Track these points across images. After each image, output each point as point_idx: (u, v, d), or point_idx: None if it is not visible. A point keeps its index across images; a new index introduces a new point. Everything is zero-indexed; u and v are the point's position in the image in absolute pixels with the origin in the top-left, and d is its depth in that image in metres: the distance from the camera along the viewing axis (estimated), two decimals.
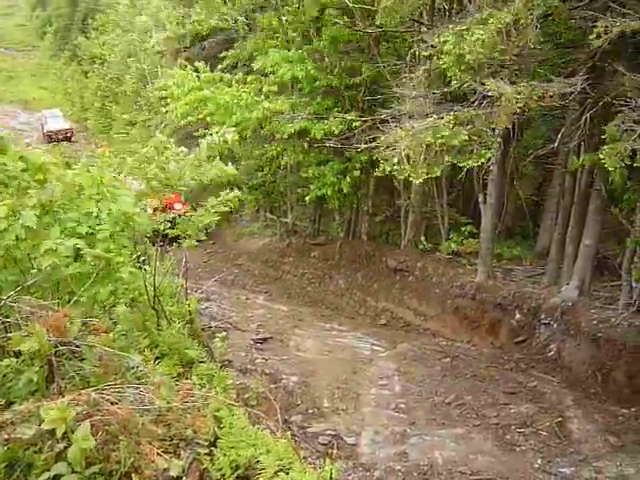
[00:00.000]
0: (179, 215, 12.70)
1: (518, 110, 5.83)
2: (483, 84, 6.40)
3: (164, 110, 12.35)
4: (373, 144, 8.59)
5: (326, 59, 11.62)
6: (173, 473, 2.64)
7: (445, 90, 7.25)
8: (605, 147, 5.36)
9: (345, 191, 11.04)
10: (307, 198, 11.49)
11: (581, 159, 5.50)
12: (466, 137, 6.45)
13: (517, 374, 7.06)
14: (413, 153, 6.94)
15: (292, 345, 7.67)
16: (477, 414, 5.86)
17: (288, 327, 8.40)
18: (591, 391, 6.79)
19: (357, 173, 11.01)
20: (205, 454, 3.12)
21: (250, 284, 11.80)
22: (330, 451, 4.95)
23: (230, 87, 11.26)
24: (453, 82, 6.93)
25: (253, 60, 12.44)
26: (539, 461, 5.03)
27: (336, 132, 10.62)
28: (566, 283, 8.19)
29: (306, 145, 11.30)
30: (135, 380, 3.03)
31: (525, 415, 5.85)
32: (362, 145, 10.84)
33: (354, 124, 10.56)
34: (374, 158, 10.83)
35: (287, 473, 3.21)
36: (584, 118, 6.59)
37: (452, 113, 6.59)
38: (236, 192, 5.19)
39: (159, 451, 2.72)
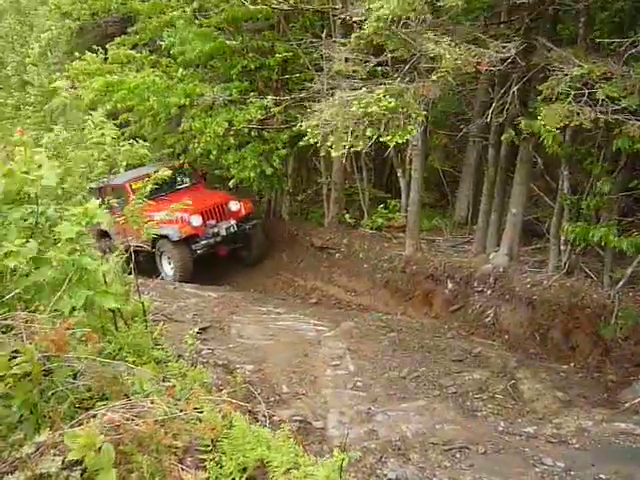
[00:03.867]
0: (240, 220, 10.98)
1: (454, 73, 5.87)
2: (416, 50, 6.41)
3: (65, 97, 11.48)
4: (298, 122, 8.41)
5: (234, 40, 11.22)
6: None
7: (377, 60, 7.15)
8: (543, 108, 5.52)
9: (269, 172, 10.84)
10: (230, 183, 11.19)
11: (523, 122, 5.64)
12: (393, 105, 6.37)
13: (460, 342, 7.27)
14: (339, 124, 6.79)
15: (234, 333, 7.45)
16: (434, 385, 5.96)
17: (225, 314, 8.16)
18: (531, 352, 7.13)
19: (284, 152, 10.83)
20: (211, 460, 2.92)
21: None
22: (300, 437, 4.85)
23: (139, 71, 10.68)
24: (386, 50, 6.86)
25: (157, 40, 11.88)
26: (502, 424, 5.19)
27: (258, 117, 10.39)
28: (495, 250, 8.51)
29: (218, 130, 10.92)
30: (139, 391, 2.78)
31: (479, 381, 6.02)
32: (282, 125, 10.76)
33: (272, 109, 10.37)
34: (294, 136, 10.75)
35: (298, 469, 3.08)
36: (512, 91, 6.80)
37: (383, 86, 6.54)
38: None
39: (182, 466, 2.51)
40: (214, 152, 10.93)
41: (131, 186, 10.86)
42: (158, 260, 10.91)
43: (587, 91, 5.36)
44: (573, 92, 5.39)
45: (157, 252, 10.82)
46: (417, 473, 4.22)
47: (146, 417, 2.33)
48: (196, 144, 10.92)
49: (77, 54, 11.56)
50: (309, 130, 6.99)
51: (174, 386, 3.44)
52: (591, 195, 7.01)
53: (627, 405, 5.43)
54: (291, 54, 10.75)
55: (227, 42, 10.73)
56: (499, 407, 5.58)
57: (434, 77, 6.24)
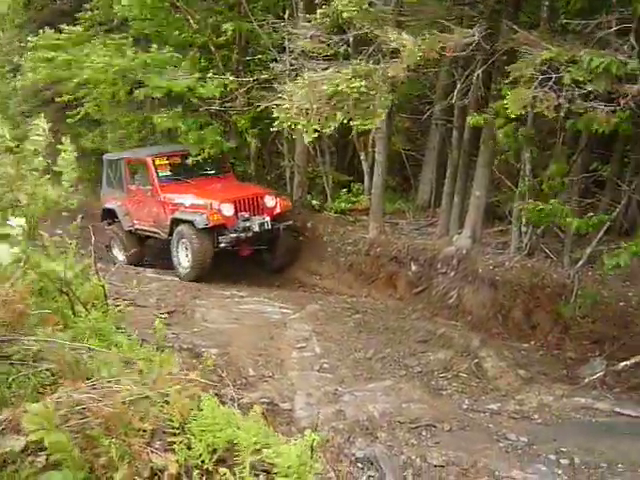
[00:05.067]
0: (274, 217, 9.89)
1: (418, 61, 5.87)
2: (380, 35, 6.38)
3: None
4: (262, 103, 8.30)
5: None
6: (172, 470, 2.39)
7: (341, 37, 7.10)
8: (509, 92, 5.57)
9: (225, 149, 10.72)
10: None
11: (495, 105, 5.67)
12: (363, 87, 6.35)
13: (425, 323, 7.34)
14: (309, 104, 6.73)
15: (198, 317, 7.37)
16: (399, 365, 6.02)
17: (188, 298, 8.06)
18: (494, 331, 7.25)
19: (255, 131, 10.74)
20: (180, 442, 2.86)
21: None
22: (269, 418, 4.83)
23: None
24: (352, 29, 6.82)
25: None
26: (466, 402, 5.27)
27: (217, 95, 10.22)
28: (458, 232, 8.61)
29: (184, 109, 10.74)
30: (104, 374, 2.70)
31: (444, 361, 6.11)
32: (244, 107, 10.61)
33: (229, 87, 10.23)
34: (257, 118, 10.64)
35: (269, 449, 3.05)
36: (476, 74, 6.85)
37: (350, 66, 6.50)
38: None
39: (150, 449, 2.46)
40: (171, 126, 10.77)
41: (154, 161, 10.31)
42: (174, 248, 9.76)
43: (554, 75, 5.41)
44: (540, 76, 5.43)
45: (174, 238, 9.73)
46: (385, 451, 4.24)
47: (113, 397, 2.27)
48: (158, 118, 10.71)
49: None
50: (281, 115, 6.89)
51: (141, 371, 3.37)
52: (551, 177, 7.13)
53: (586, 381, 5.59)
54: (249, 30, 10.61)
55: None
56: (463, 385, 5.67)
57: (400, 65, 6.22)
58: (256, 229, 9.43)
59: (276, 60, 9.50)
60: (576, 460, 4.06)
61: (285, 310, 7.71)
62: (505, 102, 5.58)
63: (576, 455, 4.12)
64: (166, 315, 7.20)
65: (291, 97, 6.75)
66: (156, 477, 2.39)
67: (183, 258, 9.64)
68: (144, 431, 2.69)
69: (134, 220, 10.87)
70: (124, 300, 7.17)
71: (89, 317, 4.15)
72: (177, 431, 2.93)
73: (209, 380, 4.75)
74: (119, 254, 11.19)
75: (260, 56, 10.53)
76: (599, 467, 3.97)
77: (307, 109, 6.63)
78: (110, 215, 11.33)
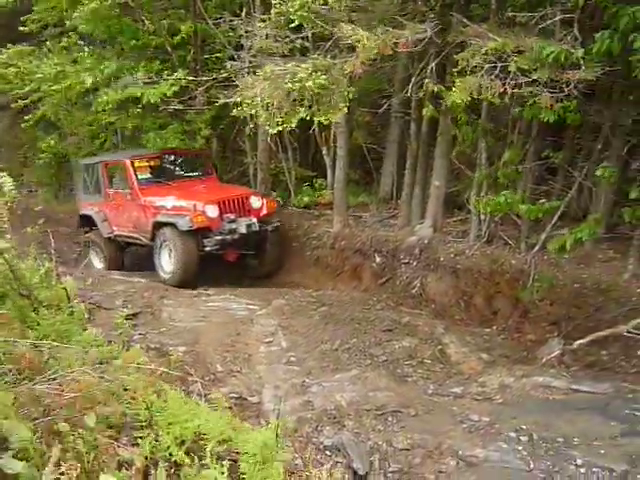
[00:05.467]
0: (261, 219, 9.52)
1: (374, 56, 5.98)
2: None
3: None
4: (221, 100, 8.31)
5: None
6: (138, 464, 2.45)
7: (298, 36, 7.17)
8: (457, 81, 5.72)
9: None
10: None
11: (450, 97, 5.79)
12: (325, 82, 6.44)
13: (389, 312, 7.46)
14: (270, 98, 6.76)
15: (165, 316, 7.37)
16: (365, 354, 6.12)
17: (155, 299, 8.03)
18: (457, 318, 7.43)
19: (204, 133, 10.69)
20: (147, 435, 2.92)
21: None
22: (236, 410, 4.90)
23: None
24: (306, 29, 6.90)
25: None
26: (431, 387, 5.41)
27: (169, 94, 10.17)
28: (420, 223, 8.78)
29: (138, 110, 10.65)
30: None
31: (408, 348, 6.23)
32: (204, 107, 10.60)
33: (188, 86, 10.22)
34: (217, 117, 10.64)
35: (236, 437, 3.13)
36: (430, 67, 7.00)
37: (309, 61, 6.58)
38: None
39: (117, 443, 2.51)
40: (129, 127, 10.66)
41: (133, 163, 9.98)
42: (156, 253, 9.33)
43: (500, 64, 5.59)
44: (486, 65, 5.60)
45: (157, 243, 9.32)
46: (352, 438, 4.33)
47: (77, 389, 2.32)
48: (106, 117, 10.60)
49: None
50: (245, 102, 6.88)
51: (101, 363, 3.40)
52: (505, 165, 7.33)
53: (544, 360, 5.77)
54: (205, 30, 10.59)
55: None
56: (428, 371, 5.80)
57: (357, 60, 6.32)
58: (243, 231, 9.08)
59: (233, 58, 9.52)
60: (535, 436, 4.21)
61: (251, 306, 7.75)
62: (454, 91, 5.74)
63: (535, 431, 4.27)
64: (132, 316, 7.23)
65: (252, 88, 6.77)
66: (123, 469, 2.44)
67: (166, 262, 9.22)
68: (111, 427, 2.74)
69: (113, 226, 10.53)
70: (90, 303, 7.15)
71: (54, 320, 4.16)
72: (144, 424, 2.98)
73: (176, 377, 4.81)
74: (98, 263, 10.83)
75: (218, 54, 10.51)
76: (556, 442, 4.12)
77: (268, 103, 6.68)
78: (87, 222, 11.00)
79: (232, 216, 9.10)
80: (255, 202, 9.50)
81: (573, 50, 5.25)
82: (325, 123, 7.37)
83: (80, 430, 2.27)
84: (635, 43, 4.85)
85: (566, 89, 5.27)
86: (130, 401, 3.04)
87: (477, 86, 5.48)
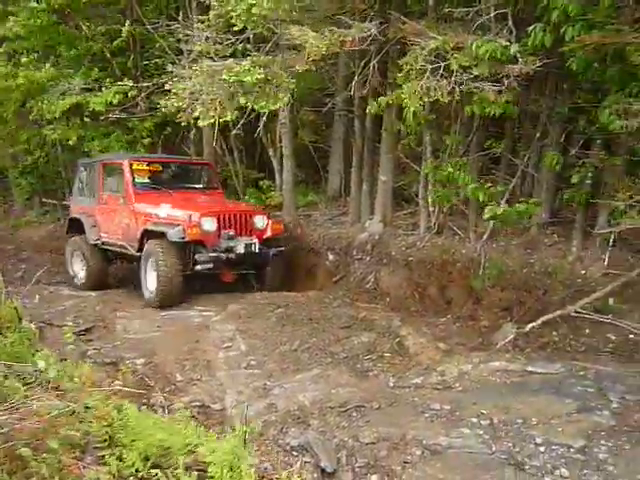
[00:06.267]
0: (263, 241, 8.58)
1: (322, 55, 6.02)
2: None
3: None
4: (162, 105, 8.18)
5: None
6: None
7: (238, 38, 7.13)
8: (405, 85, 5.81)
9: None
10: None
11: (387, 98, 5.85)
12: (262, 75, 6.43)
13: (346, 309, 7.52)
14: (206, 92, 6.69)
15: (119, 329, 7.24)
16: (325, 353, 6.15)
17: (107, 312, 7.88)
18: (412, 309, 7.54)
19: (148, 140, 10.50)
20: (111, 455, 2.87)
21: (44, 277, 10.68)
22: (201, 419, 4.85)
23: None
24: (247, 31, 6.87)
25: None
26: (392, 380, 5.47)
27: (114, 102, 9.97)
28: (369, 218, 8.88)
29: (84, 119, 10.41)
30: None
31: (367, 343, 6.30)
32: (145, 114, 10.43)
33: (130, 93, 10.04)
34: (160, 123, 10.48)
35: (203, 446, 3.11)
36: (371, 64, 7.08)
37: (248, 58, 6.56)
38: None
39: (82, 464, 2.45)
40: (74, 138, 10.33)
41: (132, 165, 9.13)
42: (142, 268, 8.40)
43: (442, 64, 5.70)
44: (430, 66, 5.71)
45: (143, 257, 8.40)
46: (318, 437, 4.35)
47: (36, 415, 2.25)
48: (51, 131, 10.25)
49: None
50: (175, 93, 6.77)
51: (58, 387, 3.31)
52: (451, 157, 7.50)
53: (499, 345, 5.93)
54: (144, 35, 10.43)
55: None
56: (388, 365, 5.87)
57: (306, 60, 6.33)
58: (241, 251, 8.18)
59: (173, 63, 9.40)
60: (495, 420, 4.33)
61: (206, 312, 7.69)
62: (402, 93, 5.82)
63: (495, 415, 4.40)
64: (85, 332, 7.06)
65: (187, 82, 6.69)
66: None
67: (151, 280, 8.26)
68: (73, 447, 2.67)
69: (101, 233, 9.66)
70: (40, 321, 6.96)
71: (4, 341, 4.04)
72: (106, 444, 2.92)
73: (136, 390, 4.72)
74: (80, 271, 10.02)
75: (157, 60, 10.35)
76: (515, 423, 4.25)
77: (202, 95, 6.62)
78: (76, 227, 10.15)
79: (231, 232, 8.27)
80: (259, 222, 8.66)
81: (507, 43, 5.40)
82: (268, 119, 7.34)
83: (43, 455, 2.21)
84: (567, 35, 5.03)
85: (506, 82, 5.42)
86: (91, 420, 2.98)
87: (425, 89, 5.58)
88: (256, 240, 8.36)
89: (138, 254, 8.58)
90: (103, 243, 9.65)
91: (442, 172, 6.95)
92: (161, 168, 9.68)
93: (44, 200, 14.24)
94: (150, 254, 8.18)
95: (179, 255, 8.04)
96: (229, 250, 8.13)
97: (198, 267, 8.18)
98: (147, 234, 8.54)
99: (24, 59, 10.14)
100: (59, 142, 11.43)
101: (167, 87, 6.96)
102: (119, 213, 9.26)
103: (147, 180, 9.32)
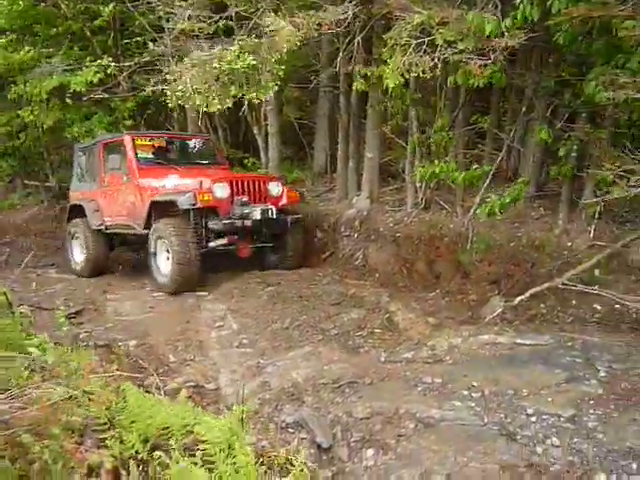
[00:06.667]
0: (281, 208, 8.13)
1: (301, 39, 6.00)
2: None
3: None
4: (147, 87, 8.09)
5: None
6: (109, 466, 2.43)
7: (222, 15, 7.06)
8: (389, 61, 5.80)
9: None
10: None
11: (375, 71, 5.83)
12: (253, 62, 6.40)
13: (336, 286, 7.57)
14: (201, 83, 6.65)
15: (110, 311, 7.25)
16: (316, 330, 6.20)
17: (98, 295, 7.89)
18: (401, 285, 7.60)
19: (129, 122, 10.37)
20: (111, 437, 2.90)
21: (31, 260, 10.61)
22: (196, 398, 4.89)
23: None
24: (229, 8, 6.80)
25: None
26: (383, 355, 5.53)
27: (95, 81, 9.80)
28: (356, 195, 8.90)
29: (67, 101, 10.21)
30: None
31: (357, 320, 6.36)
32: (128, 93, 10.28)
33: (110, 71, 9.87)
34: (142, 103, 10.35)
35: (200, 425, 3.14)
36: (356, 41, 7.03)
37: (236, 42, 6.50)
38: None
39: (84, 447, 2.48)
40: (49, 122, 10.15)
41: (134, 140, 8.78)
42: (152, 252, 7.93)
43: (427, 39, 5.68)
44: (414, 41, 5.69)
45: (151, 238, 7.88)
46: (312, 413, 4.40)
47: (39, 402, 2.27)
48: (27, 112, 10.06)
49: None
50: (175, 93, 6.71)
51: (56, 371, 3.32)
52: (437, 131, 7.51)
53: (487, 319, 6.01)
54: (123, 12, 10.22)
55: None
56: (379, 340, 5.93)
57: (281, 46, 6.29)
58: (257, 217, 7.69)
59: (155, 41, 9.25)
60: (486, 392, 4.40)
61: (198, 292, 7.70)
62: (388, 71, 5.81)
63: (485, 387, 4.47)
64: (75, 315, 7.05)
65: (180, 77, 6.64)
66: (94, 474, 2.42)
67: (163, 263, 7.79)
68: (73, 431, 2.69)
69: (105, 217, 9.25)
70: (29, 305, 6.94)
71: None
72: (106, 426, 2.95)
73: (131, 372, 4.75)
74: (80, 256, 9.70)
75: (138, 38, 10.18)
76: (506, 395, 4.33)
77: (197, 88, 6.57)
78: (77, 212, 9.78)
79: (245, 198, 7.82)
80: (274, 189, 8.26)
81: (494, 18, 5.39)
82: (256, 102, 7.32)
83: (45, 441, 2.23)
84: (553, 7, 5.02)
85: (492, 56, 5.42)
86: (89, 404, 3.00)
87: (407, 64, 5.56)
88: (272, 207, 7.95)
89: (145, 231, 8.15)
90: (107, 228, 9.26)
91: (428, 171, 6.99)
92: (165, 143, 9.38)
93: (26, 182, 14.08)
94: (160, 234, 7.72)
95: (192, 232, 7.58)
96: (244, 217, 7.66)
97: (212, 244, 7.78)
98: (155, 209, 8.12)
99: (1, 40, 9.93)
100: (41, 124, 11.25)
101: (164, 87, 6.81)
102: (123, 192, 8.85)
103: (151, 155, 9.04)
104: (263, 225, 7.86)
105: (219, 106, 6.70)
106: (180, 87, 6.40)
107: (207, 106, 6.54)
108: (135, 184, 8.55)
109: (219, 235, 7.74)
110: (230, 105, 6.76)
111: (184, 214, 7.69)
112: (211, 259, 8.08)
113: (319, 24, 6.20)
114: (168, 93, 6.67)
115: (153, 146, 9.14)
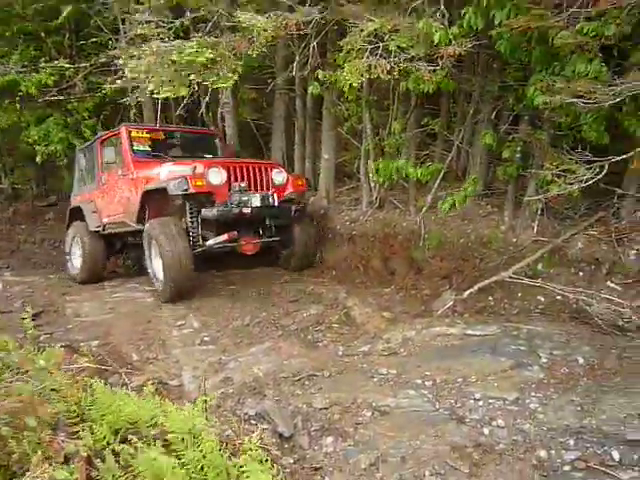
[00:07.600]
0: (284, 197, 7.49)
1: (271, 39, 6.17)
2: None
3: None
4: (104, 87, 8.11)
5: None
6: (84, 453, 2.58)
7: (181, 20, 7.15)
8: (346, 65, 6.02)
9: (79, 145, 10.32)
10: (37, 159, 10.44)
11: (320, 74, 6.04)
12: (212, 55, 6.51)
13: (293, 284, 7.77)
14: (158, 70, 6.68)
15: (70, 313, 7.26)
16: (276, 326, 6.39)
17: (57, 297, 7.87)
18: (357, 281, 7.84)
19: (91, 122, 10.31)
20: (83, 430, 3.04)
21: None
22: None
23: None
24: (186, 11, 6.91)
25: None
26: (341, 349, 5.74)
27: (49, 83, 9.72)
28: (313, 195, 9.10)
29: (16, 104, 10.09)
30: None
31: (316, 315, 6.57)
32: (84, 94, 10.22)
33: (67, 72, 9.81)
34: (99, 104, 10.31)
35: (164, 419, 3.29)
36: (311, 45, 7.23)
37: (194, 40, 6.61)
38: None
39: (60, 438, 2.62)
40: (2, 124, 10.00)
41: (130, 132, 8.33)
42: (147, 255, 7.46)
43: (381, 44, 5.93)
44: (369, 47, 5.93)
45: (145, 241, 7.40)
46: (274, 405, 4.57)
47: (13, 396, 2.40)
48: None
49: None
50: (130, 71, 6.71)
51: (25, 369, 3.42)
52: (390, 134, 7.78)
53: (439, 312, 6.29)
54: (79, 13, 10.14)
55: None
56: (336, 335, 6.13)
57: (255, 44, 6.43)
58: (256, 204, 7.16)
59: (109, 40, 9.25)
60: (437, 380, 4.66)
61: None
62: (344, 73, 6.03)
63: (437, 376, 4.72)
64: (34, 317, 7.03)
65: (139, 58, 6.66)
66: (70, 462, 2.56)
67: (158, 268, 7.25)
68: (47, 425, 2.83)
69: (103, 218, 8.87)
70: None
71: None
72: (77, 419, 3.09)
73: (94, 371, 4.83)
74: (77, 260, 9.34)
75: (94, 39, 10.14)
76: (456, 382, 4.59)
77: (154, 75, 6.62)
78: (77, 215, 9.46)
79: (243, 184, 7.19)
80: (277, 176, 7.65)
81: (442, 26, 5.67)
82: (210, 98, 7.32)
83: (24, 432, 2.37)
84: (495, 19, 5.33)
85: (440, 62, 5.71)
86: (59, 398, 3.13)
87: (364, 68, 5.80)
88: (273, 193, 7.44)
89: (139, 227, 7.66)
90: (104, 228, 8.89)
91: (388, 165, 7.25)
92: (163, 136, 8.88)
93: None
94: (150, 233, 7.17)
95: (184, 230, 7.12)
96: (242, 204, 7.07)
97: (210, 242, 7.24)
98: (149, 204, 7.69)
99: None
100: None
101: (120, 64, 6.78)
102: (119, 188, 8.46)
103: (148, 148, 8.54)
104: (264, 214, 7.37)
105: (170, 94, 6.68)
106: (138, 67, 6.38)
107: (158, 92, 6.51)
108: (130, 178, 8.12)
109: (218, 232, 7.25)
110: (185, 94, 6.74)
111: (179, 210, 7.30)
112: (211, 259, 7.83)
113: (286, 24, 6.35)
114: (127, 72, 6.61)
115: (151, 139, 8.66)
